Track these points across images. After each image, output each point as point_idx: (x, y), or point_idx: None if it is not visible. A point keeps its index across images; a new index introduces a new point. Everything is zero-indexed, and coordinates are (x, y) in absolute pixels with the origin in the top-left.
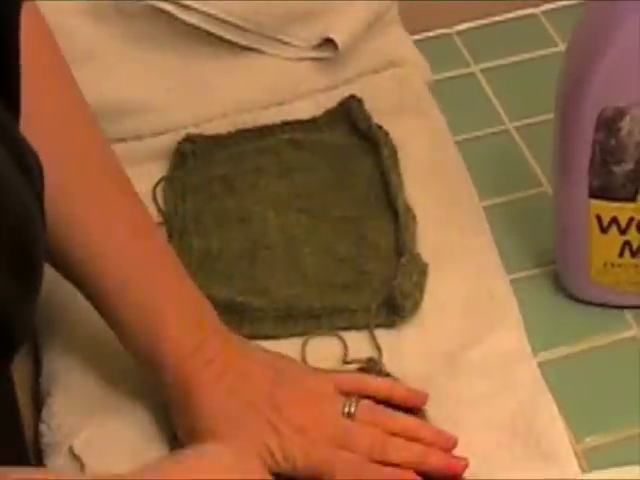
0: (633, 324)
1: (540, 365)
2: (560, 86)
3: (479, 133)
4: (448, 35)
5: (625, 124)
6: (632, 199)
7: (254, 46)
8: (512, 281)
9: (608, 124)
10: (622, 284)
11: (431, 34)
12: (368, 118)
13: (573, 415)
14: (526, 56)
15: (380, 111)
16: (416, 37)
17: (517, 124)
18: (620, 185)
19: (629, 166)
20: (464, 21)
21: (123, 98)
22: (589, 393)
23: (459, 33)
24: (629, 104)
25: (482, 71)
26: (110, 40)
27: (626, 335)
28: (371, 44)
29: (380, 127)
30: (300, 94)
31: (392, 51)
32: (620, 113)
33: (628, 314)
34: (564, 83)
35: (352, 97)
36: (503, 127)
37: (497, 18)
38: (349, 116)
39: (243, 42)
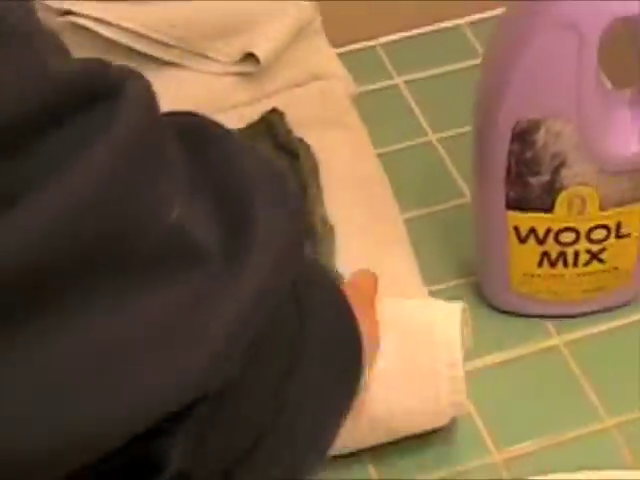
0: (554, 333)
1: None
2: (476, 98)
3: (402, 145)
4: (372, 47)
5: (540, 136)
6: (549, 210)
7: (176, 61)
8: (434, 292)
9: (523, 136)
10: (542, 294)
11: (355, 46)
12: (289, 131)
13: (495, 425)
14: (450, 68)
15: (302, 124)
16: (340, 49)
17: (440, 136)
18: (537, 196)
19: (545, 177)
20: (388, 33)
21: None
22: (511, 403)
23: (383, 45)
24: (544, 116)
25: (406, 83)
26: None
27: (548, 344)
28: (294, 57)
29: (301, 140)
30: (223, 108)
31: (315, 64)
32: (535, 125)
33: (549, 323)
34: (479, 95)
35: (273, 110)
36: (426, 139)
37: (421, 30)
38: (270, 129)
39: (165, 57)
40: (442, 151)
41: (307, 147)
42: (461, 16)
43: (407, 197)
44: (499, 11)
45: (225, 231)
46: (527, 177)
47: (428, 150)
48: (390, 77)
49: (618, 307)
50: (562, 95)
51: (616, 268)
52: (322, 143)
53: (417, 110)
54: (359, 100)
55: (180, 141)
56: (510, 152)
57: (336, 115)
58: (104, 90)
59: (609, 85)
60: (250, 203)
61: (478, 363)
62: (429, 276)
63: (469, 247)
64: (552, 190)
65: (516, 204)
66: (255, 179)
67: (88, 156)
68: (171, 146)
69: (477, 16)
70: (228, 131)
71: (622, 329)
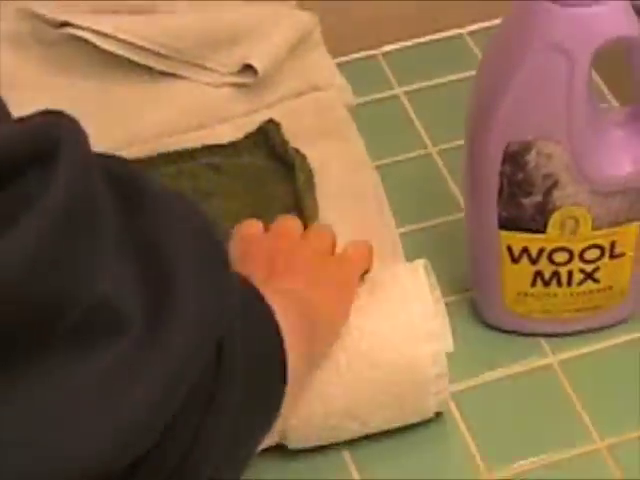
0: (548, 352)
1: (456, 394)
2: (468, 117)
3: (401, 157)
4: (374, 57)
5: (532, 158)
6: (542, 230)
7: (173, 71)
8: None
9: (515, 157)
10: (536, 312)
11: (357, 56)
12: (285, 142)
13: (488, 444)
14: (451, 77)
15: (299, 135)
16: (342, 59)
17: (439, 148)
18: (529, 217)
19: (537, 198)
20: (390, 42)
21: None
22: (503, 422)
23: (385, 54)
24: (535, 138)
25: (406, 93)
26: (31, 68)
27: (541, 363)
28: (293, 68)
29: (297, 151)
30: (220, 118)
31: (314, 75)
32: (526, 147)
33: (544, 342)
34: (470, 116)
35: (270, 121)
36: (425, 151)
37: (423, 39)
38: (267, 140)
39: (162, 68)
40: (441, 164)
41: (303, 158)
42: (463, 25)
43: (404, 210)
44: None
45: (149, 298)
46: (519, 198)
47: (427, 162)
48: (391, 87)
49: (613, 326)
50: (553, 117)
51: (610, 287)
52: (318, 154)
53: (417, 121)
54: (359, 110)
55: (114, 195)
56: (502, 173)
57: (332, 126)
58: (35, 155)
59: (615, 103)
60: (175, 268)
61: (471, 382)
62: None
63: (465, 262)
64: (544, 211)
65: (509, 224)
66: (182, 239)
67: (13, 231)
68: (103, 202)
69: (479, 25)
70: (158, 184)
71: (616, 348)
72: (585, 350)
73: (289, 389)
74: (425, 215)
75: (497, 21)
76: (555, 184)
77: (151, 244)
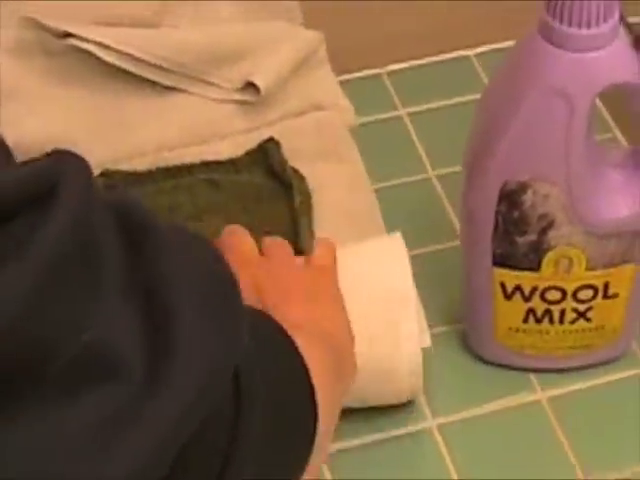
0: (537, 388)
1: (443, 426)
2: (466, 152)
3: (400, 180)
4: (378, 75)
5: (528, 197)
6: (535, 269)
7: (176, 86)
8: None
9: (511, 196)
10: (527, 348)
11: (361, 74)
12: (284, 161)
13: (473, 477)
14: (456, 100)
15: (298, 154)
16: (346, 77)
17: (439, 172)
18: (523, 255)
19: (532, 237)
20: (396, 61)
21: (44, 136)
22: (488, 458)
23: (390, 74)
24: (531, 178)
25: (409, 115)
26: (33, 78)
27: (530, 399)
28: (296, 86)
29: (296, 171)
30: (221, 135)
31: (317, 94)
32: (523, 187)
33: (533, 377)
34: (468, 153)
35: (270, 139)
36: (425, 175)
37: (429, 60)
38: (266, 158)
39: (165, 82)
40: (440, 189)
41: (301, 179)
42: (471, 47)
43: (403, 235)
44: (509, 43)
45: (151, 343)
46: (514, 236)
47: (426, 187)
48: (394, 108)
49: (604, 363)
50: (550, 159)
51: (603, 327)
52: (317, 175)
53: (418, 144)
54: (360, 130)
55: (119, 235)
56: (497, 211)
57: (332, 147)
58: (31, 199)
59: (618, 133)
60: (180, 313)
61: (458, 415)
62: None
63: (459, 293)
64: (539, 250)
65: (502, 261)
66: (190, 282)
67: (5, 276)
68: (105, 245)
69: (487, 47)
70: (166, 222)
71: (606, 387)
72: (574, 388)
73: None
74: (421, 241)
75: (505, 44)
76: (550, 224)
77: (156, 287)
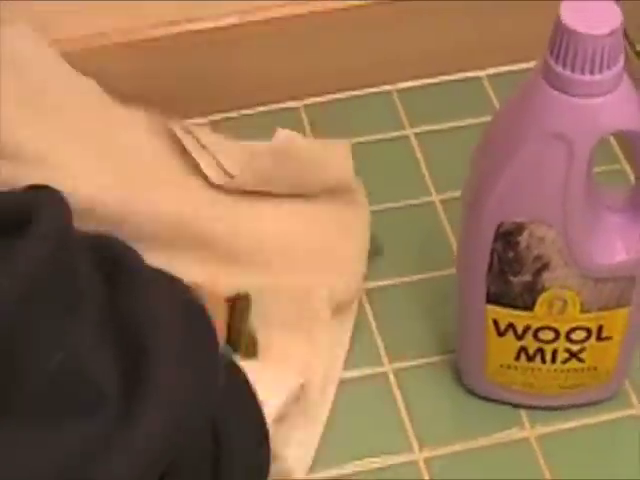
0: (527, 425)
1: (429, 459)
2: (466, 188)
3: (402, 203)
4: (388, 93)
5: (523, 238)
6: (529, 308)
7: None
8: (412, 367)
9: (507, 237)
10: (518, 385)
11: (371, 90)
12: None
13: None
14: (464, 122)
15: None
16: (356, 92)
17: (443, 197)
18: (517, 294)
19: (526, 278)
20: (407, 79)
21: None
22: None
23: (400, 91)
24: (528, 220)
25: (416, 135)
26: None
27: (519, 436)
28: None
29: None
30: None
31: None
32: (519, 228)
33: (523, 414)
34: (466, 190)
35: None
36: (429, 199)
37: (441, 79)
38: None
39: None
40: (442, 214)
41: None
42: (483, 68)
43: (399, 260)
44: (521, 66)
45: (124, 381)
46: (508, 275)
47: (428, 211)
48: (402, 127)
49: (595, 403)
50: (548, 202)
51: (595, 368)
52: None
53: (424, 166)
54: (366, 148)
55: (96, 271)
56: (493, 250)
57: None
58: (12, 223)
59: (631, 176)
60: (155, 348)
61: (445, 448)
62: (409, 349)
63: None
64: (533, 290)
65: (496, 299)
66: (166, 319)
67: None
68: (83, 273)
69: (499, 69)
70: (144, 261)
71: (596, 427)
72: (564, 426)
73: None
74: (421, 267)
75: (517, 66)
76: (545, 266)
77: (132, 324)
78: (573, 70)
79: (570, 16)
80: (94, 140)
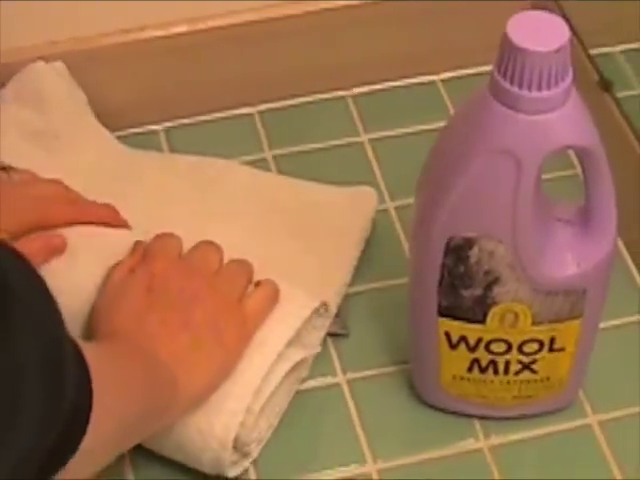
0: (481, 436)
1: (383, 471)
2: (416, 202)
3: None
4: (343, 98)
5: (474, 253)
6: (481, 321)
7: None
8: (366, 378)
9: (457, 251)
10: (472, 396)
11: (326, 96)
12: None
13: None
14: (419, 127)
15: None
16: (310, 98)
17: (398, 204)
18: (468, 308)
19: (477, 292)
20: (361, 84)
21: None
22: None
23: (354, 96)
24: (477, 235)
25: (370, 141)
26: None
27: (472, 447)
28: None
29: None
30: None
31: None
32: (468, 242)
33: (477, 424)
34: (416, 205)
35: None
36: (382, 206)
37: (395, 83)
38: None
39: None
40: (397, 222)
41: None
42: (437, 72)
43: (354, 269)
44: (477, 69)
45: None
46: (459, 289)
47: (382, 219)
48: (356, 133)
49: (549, 413)
50: (497, 218)
51: (548, 378)
52: None
53: (378, 173)
54: (321, 154)
55: None
56: (443, 264)
57: None
58: None
59: None
60: (23, 373)
61: (400, 461)
62: (365, 360)
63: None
64: (484, 304)
65: (448, 312)
66: (33, 344)
67: None
68: None
69: (453, 73)
70: (24, 280)
71: (550, 437)
72: (518, 437)
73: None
74: (374, 275)
75: (473, 69)
76: (496, 280)
77: (4, 348)
78: (521, 87)
79: (517, 33)
80: None
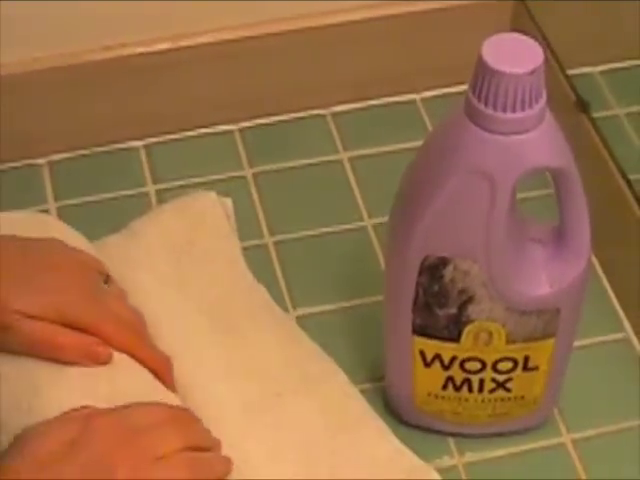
0: (455, 453)
1: None
2: (391, 219)
3: (334, 228)
4: (322, 116)
5: (448, 272)
6: (455, 340)
7: None
8: None
9: (431, 270)
10: (446, 414)
11: (306, 114)
12: None
13: None
14: (398, 146)
15: None
16: (290, 116)
17: (375, 221)
18: (443, 326)
19: (452, 310)
20: (340, 103)
21: None
22: None
23: (334, 115)
24: (452, 255)
25: (349, 159)
26: None
27: (446, 464)
28: None
29: None
30: None
31: None
32: (443, 262)
33: (452, 441)
34: (391, 222)
35: None
36: (360, 224)
37: (374, 102)
38: None
39: None
40: (375, 239)
41: None
42: (418, 91)
43: (330, 286)
44: (456, 88)
45: None
46: (434, 308)
47: (360, 236)
48: (336, 151)
49: (524, 431)
50: (472, 237)
51: (523, 397)
52: None
53: (357, 190)
54: (300, 172)
55: None
56: (418, 283)
57: None
58: None
59: None
60: None
61: None
62: None
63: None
64: (459, 322)
65: (422, 331)
66: None
67: None
68: None
69: (434, 92)
70: None
71: (524, 455)
72: (492, 455)
73: None
74: (351, 293)
75: (453, 89)
76: (470, 299)
77: None
78: (495, 108)
79: (492, 54)
80: None
